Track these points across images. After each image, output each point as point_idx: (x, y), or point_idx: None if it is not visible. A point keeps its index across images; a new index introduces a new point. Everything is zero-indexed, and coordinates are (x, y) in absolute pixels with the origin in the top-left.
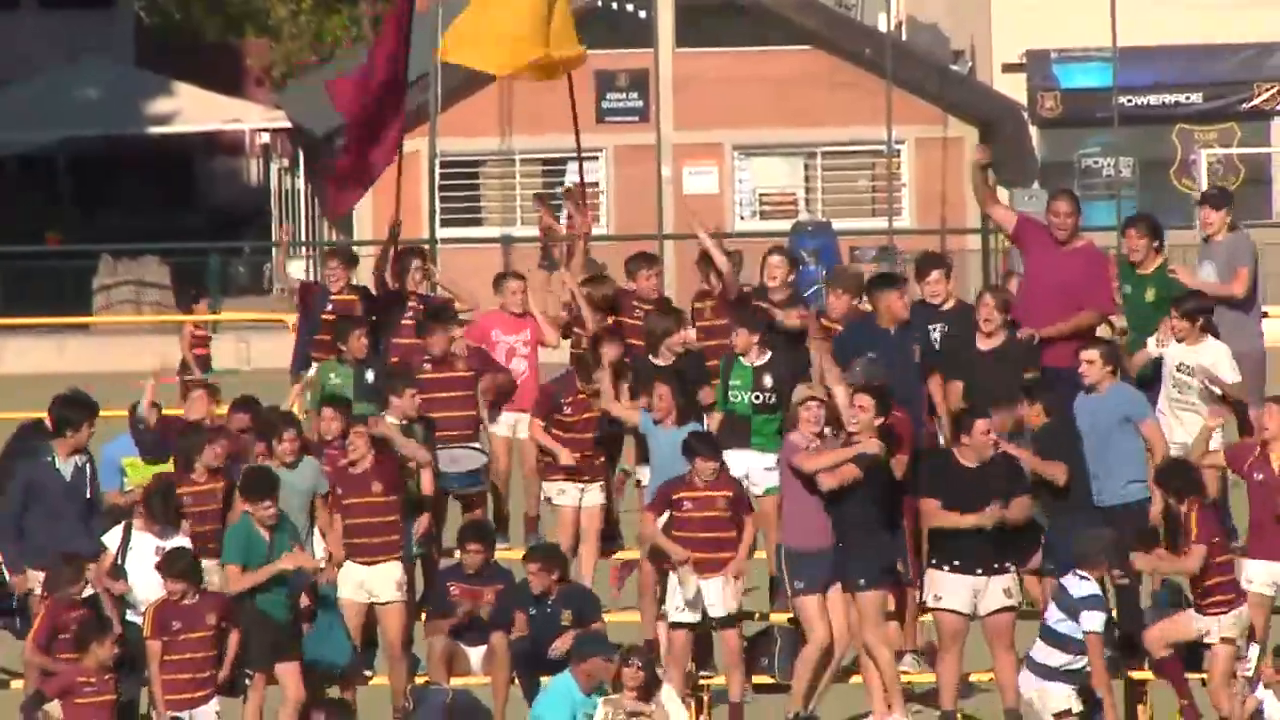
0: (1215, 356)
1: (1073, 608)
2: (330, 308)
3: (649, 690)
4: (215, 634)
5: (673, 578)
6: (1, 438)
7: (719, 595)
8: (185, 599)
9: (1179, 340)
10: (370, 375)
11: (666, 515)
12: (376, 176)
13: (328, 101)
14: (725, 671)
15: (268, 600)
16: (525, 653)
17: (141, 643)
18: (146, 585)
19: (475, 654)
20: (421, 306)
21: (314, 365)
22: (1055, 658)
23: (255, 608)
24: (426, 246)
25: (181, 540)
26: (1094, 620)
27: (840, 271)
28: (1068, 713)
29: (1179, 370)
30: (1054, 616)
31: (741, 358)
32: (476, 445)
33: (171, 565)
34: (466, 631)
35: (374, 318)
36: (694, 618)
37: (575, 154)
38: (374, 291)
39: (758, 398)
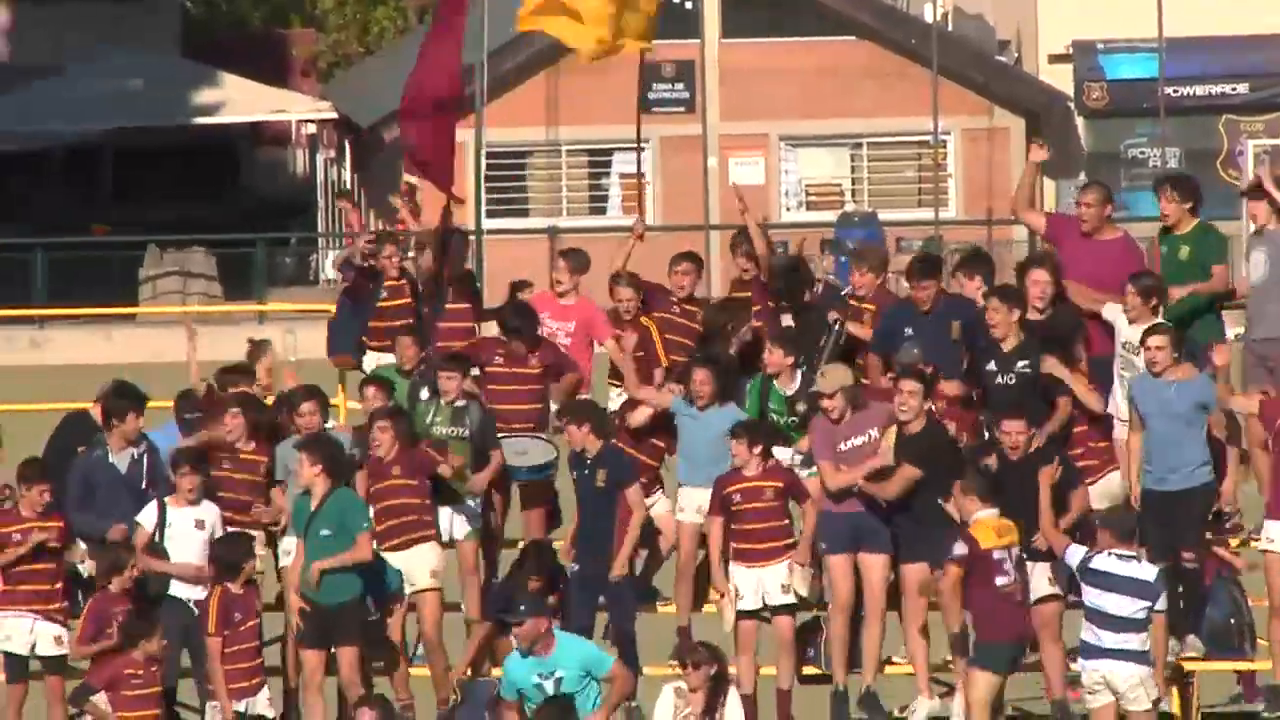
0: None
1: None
2: (386, 295)
3: (715, 691)
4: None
5: (735, 573)
6: (49, 428)
7: (775, 584)
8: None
9: (1130, 319)
10: (424, 393)
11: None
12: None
13: (376, 93)
14: (776, 660)
15: (330, 582)
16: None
17: (182, 619)
18: (186, 557)
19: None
20: (469, 292)
21: (367, 354)
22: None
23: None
24: (472, 237)
25: (212, 512)
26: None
27: (864, 250)
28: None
29: (1123, 347)
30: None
31: (775, 383)
32: (544, 436)
33: (242, 555)
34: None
35: (422, 308)
36: (754, 606)
37: (625, 144)
38: (424, 289)
39: (793, 420)
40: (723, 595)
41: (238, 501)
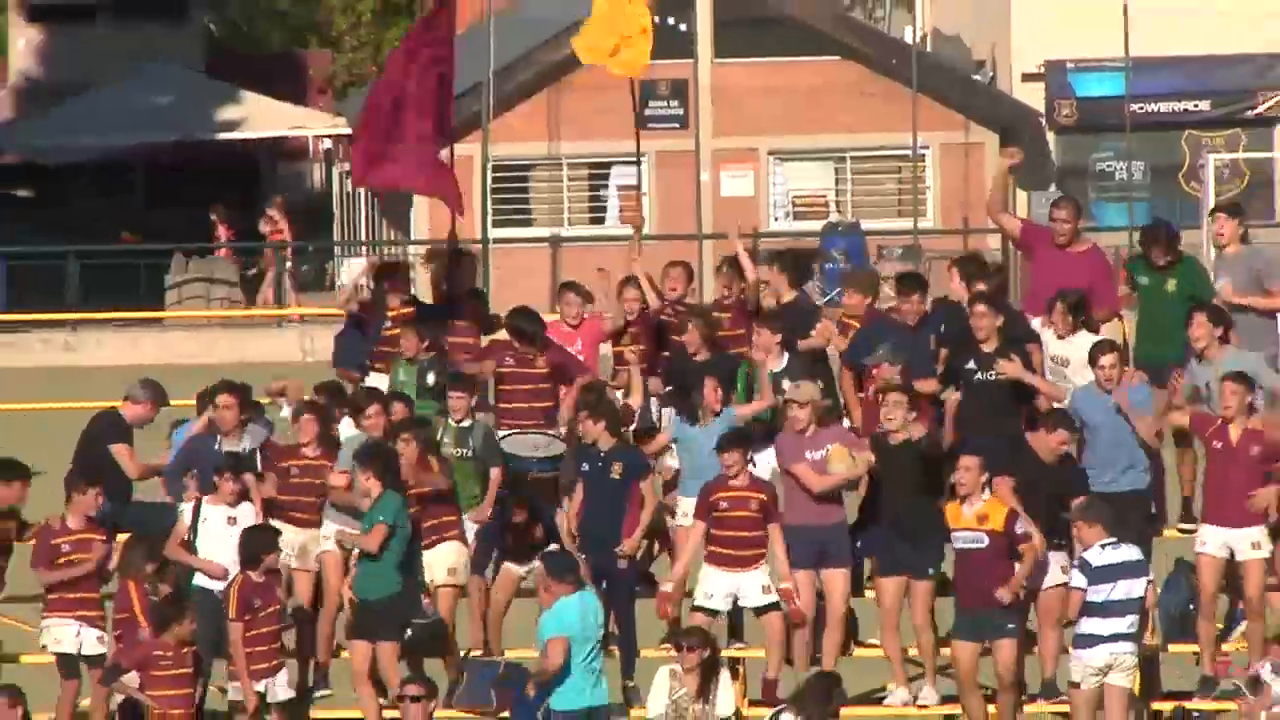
0: (1084, 350)
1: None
2: (389, 324)
3: (708, 674)
4: (281, 606)
5: (704, 572)
6: (80, 425)
7: (754, 589)
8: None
9: (1057, 335)
10: (431, 378)
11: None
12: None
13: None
14: (766, 651)
15: (365, 578)
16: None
17: (209, 610)
18: (218, 554)
19: (516, 569)
20: (476, 303)
21: (371, 374)
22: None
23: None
24: (478, 246)
25: (248, 511)
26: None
27: (854, 275)
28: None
29: (1052, 360)
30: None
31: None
32: (554, 433)
33: (263, 546)
34: (515, 559)
35: (432, 319)
36: (724, 607)
37: (623, 158)
38: (433, 298)
39: (777, 399)
40: (669, 587)
41: (300, 504)
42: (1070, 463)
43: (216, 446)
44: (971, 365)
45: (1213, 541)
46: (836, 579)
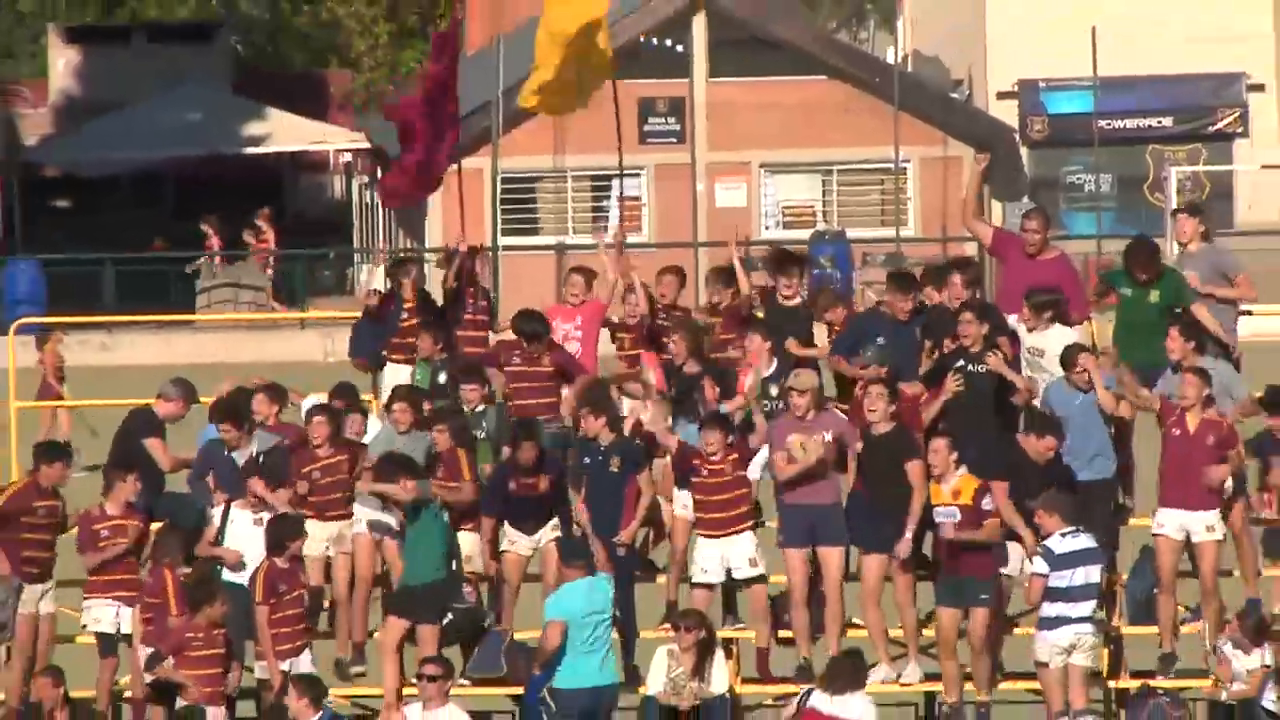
0: (1064, 340)
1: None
2: (406, 315)
3: (703, 653)
4: (306, 590)
5: (698, 544)
6: (117, 420)
7: (742, 559)
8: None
9: (1028, 329)
10: (443, 376)
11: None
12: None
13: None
14: (753, 623)
15: (412, 563)
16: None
17: (235, 600)
18: (247, 553)
19: (527, 541)
20: (486, 303)
21: (388, 365)
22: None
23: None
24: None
25: (273, 511)
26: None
27: (823, 287)
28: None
29: (1029, 352)
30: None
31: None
32: (558, 426)
33: (288, 535)
34: (521, 517)
35: (442, 317)
36: (718, 579)
37: (624, 170)
38: (442, 295)
39: (766, 405)
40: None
41: (329, 502)
42: (1058, 464)
43: (227, 453)
44: (961, 361)
45: (1170, 524)
46: (831, 555)
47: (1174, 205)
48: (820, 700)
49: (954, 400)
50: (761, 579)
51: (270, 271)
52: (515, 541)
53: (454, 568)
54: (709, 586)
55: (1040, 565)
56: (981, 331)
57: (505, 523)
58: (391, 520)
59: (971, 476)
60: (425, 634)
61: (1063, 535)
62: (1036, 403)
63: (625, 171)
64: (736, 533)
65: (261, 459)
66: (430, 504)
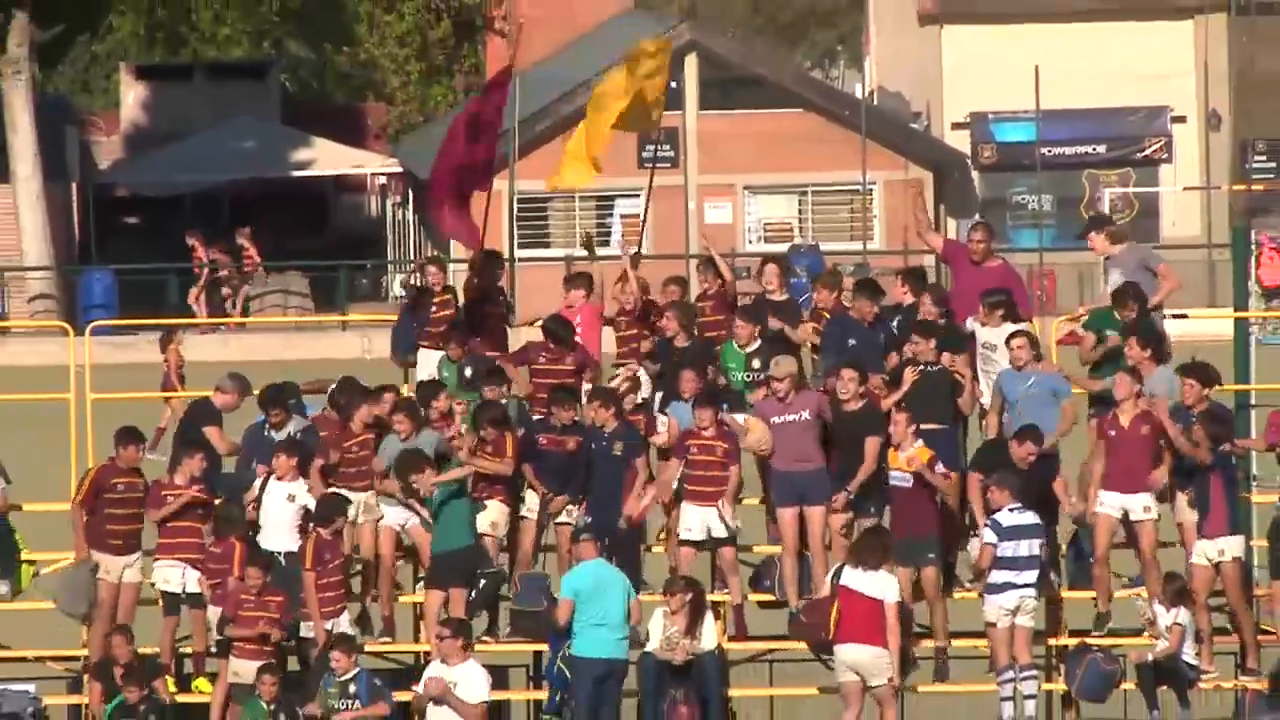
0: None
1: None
2: (435, 307)
3: (694, 614)
4: (347, 559)
5: (684, 508)
6: (180, 412)
7: (717, 521)
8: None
9: (983, 325)
10: (468, 371)
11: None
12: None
13: (434, 153)
14: (725, 578)
15: (441, 533)
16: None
17: (276, 568)
18: (277, 523)
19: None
20: (504, 309)
21: (421, 351)
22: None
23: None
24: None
25: (302, 487)
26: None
27: (824, 273)
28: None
29: (983, 346)
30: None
31: (735, 344)
32: (578, 417)
33: (333, 511)
34: (551, 474)
35: (467, 319)
36: (700, 537)
37: (624, 193)
38: (462, 295)
39: (749, 376)
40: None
41: (360, 473)
42: (1039, 467)
43: (268, 433)
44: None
45: (1109, 504)
46: (815, 515)
47: None
48: (852, 577)
49: (912, 392)
50: (731, 540)
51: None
52: (534, 509)
53: (480, 537)
54: (694, 544)
55: (990, 536)
56: (930, 346)
57: (526, 491)
58: (409, 512)
59: (926, 448)
60: (455, 596)
61: (1010, 510)
62: (986, 394)
63: (625, 193)
64: (718, 501)
65: (299, 436)
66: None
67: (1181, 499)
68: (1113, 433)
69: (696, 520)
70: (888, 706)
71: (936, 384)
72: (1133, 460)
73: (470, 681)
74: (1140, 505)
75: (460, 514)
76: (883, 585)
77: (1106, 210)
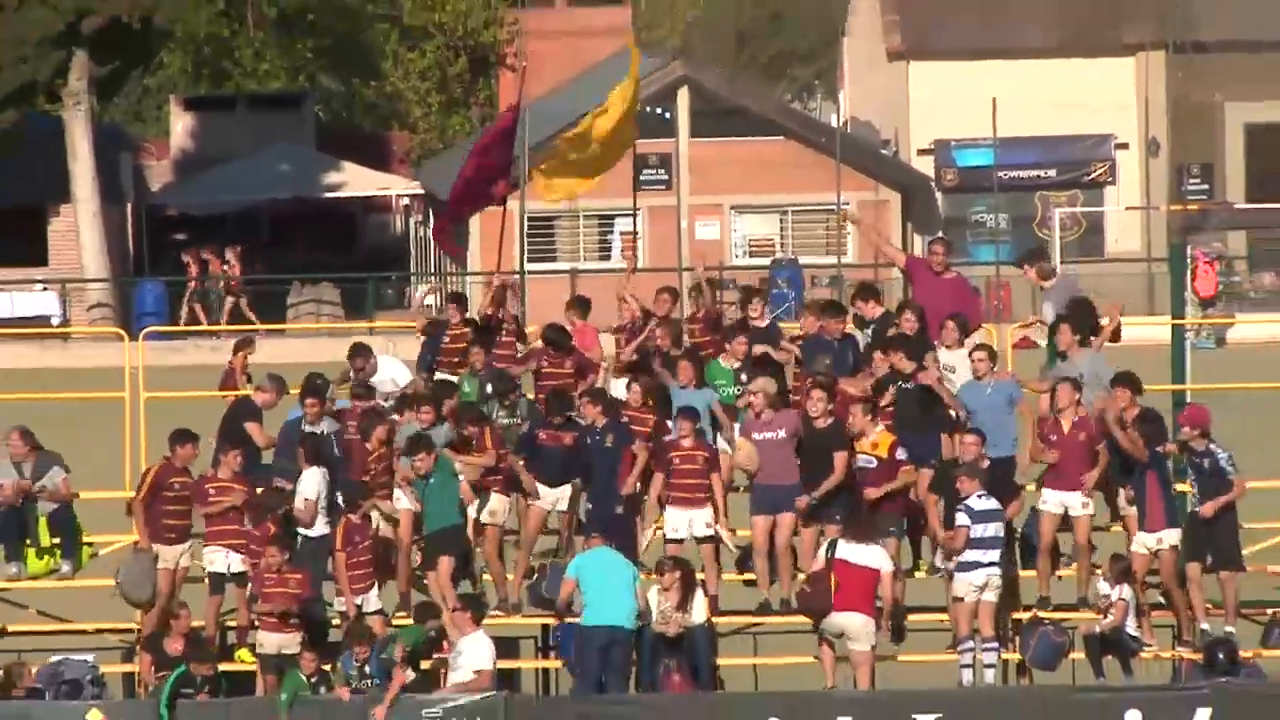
0: (965, 357)
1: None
2: (448, 338)
3: (685, 590)
4: (374, 541)
5: (669, 511)
6: (224, 406)
7: (701, 523)
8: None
9: (946, 346)
10: (489, 387)
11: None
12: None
13: (453, 177)
14: (705, 571)
15: (433, 513)
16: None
17: (308, 552)
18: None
19: (549, 494)
20: (515, 326)
21: (437, 373)
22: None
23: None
24: (516, 278)
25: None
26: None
27: (811, 303)
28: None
29: (944, 368)
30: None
31: (721, 361)
32: (575, 415)
33: (360, 496)
34: (548, 468)
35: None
36: (684, 536)
37: (623, 211)
38: (478, 319)
39: (739, 390)
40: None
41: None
42: (995, 471)
43: (304, 428)
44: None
45: (1051, 501)
46: (785, 521)
47: (1057, 238)
48: (846, 550)
49: (899, 409)
50: (713, 539)
51: (231, 300)
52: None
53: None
54: (678, 542)
55: (963, 519)
56: (901, 357)
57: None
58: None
59: (888, 433)
60: (444, 564)
61: (979, 497)
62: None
63: (623, 212)
64: (699, 505)
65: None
66: (444, 466)
67: (1123, 495)
68: (1054, 437)
69: (682, 522)
70: (863, 668)
71: (914, 397)
72: (1071, 462)
73: (475, 652)
74: (1079, 502)
75: (450, 496)
76: (877, 556)
77: (1057, 228)
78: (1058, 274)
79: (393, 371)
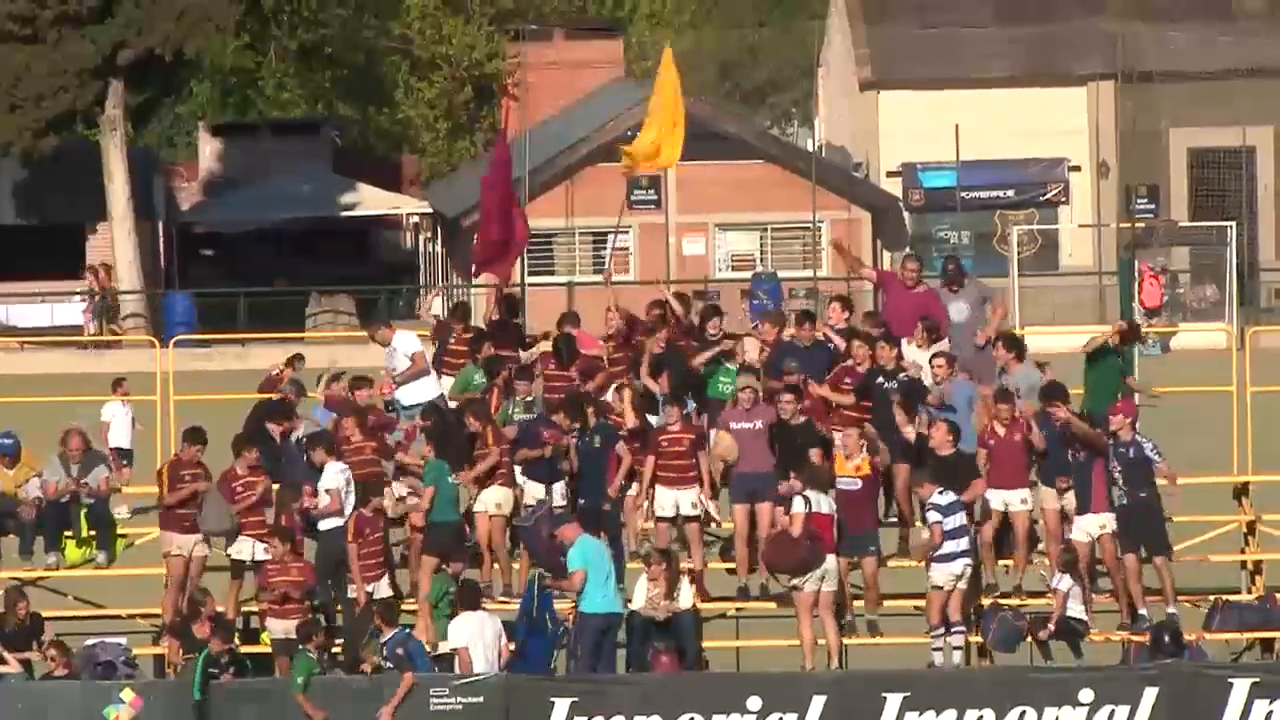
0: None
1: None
2: (453, 342)
3: (672, 579)
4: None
5: (658, 490)
6: (247, 408)
7: (687, 503)
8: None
9: (916, 346)
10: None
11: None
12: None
13: (458, 197)
14: (690, 549)
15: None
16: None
17: (326, 543)
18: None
19: (538, 491)
20: (518, 328)
21: (442, 377)
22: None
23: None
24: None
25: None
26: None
27: (767, 314)
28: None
29: (912, 365)
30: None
31: (726, 363)
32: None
33: (371, 493)
34: (538, 466)
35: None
36: (672, 514)
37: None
38: (484, 325)
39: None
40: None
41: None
42: (959, 460)
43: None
44: (880, 380)
45: (994, 500)
46: (764, 509)
47: (1015, 254)
48: (815, 500)
49: (877, 411)
50: (697, 519)
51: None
52: (528, 492)
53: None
54: (668, 520)
55: (934, 515)
56: (893, 354)
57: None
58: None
59: (871, 459)
60: (427, 564)
61: (940, 492)
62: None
63: (618, 229)
64: (686, 485)
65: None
66: (445, 465)
67: (1049, 489)
68: (993, 442)
69: (669, 500)
70: (829, 616)
71: (891, 400)
72: (1009, 464)
73: (455, 635)
74: (1018, 499)
75: (449, 495)
76: (828, 506)
77: (1014, 244)
78: (969, 280)
79: (405, 345)
